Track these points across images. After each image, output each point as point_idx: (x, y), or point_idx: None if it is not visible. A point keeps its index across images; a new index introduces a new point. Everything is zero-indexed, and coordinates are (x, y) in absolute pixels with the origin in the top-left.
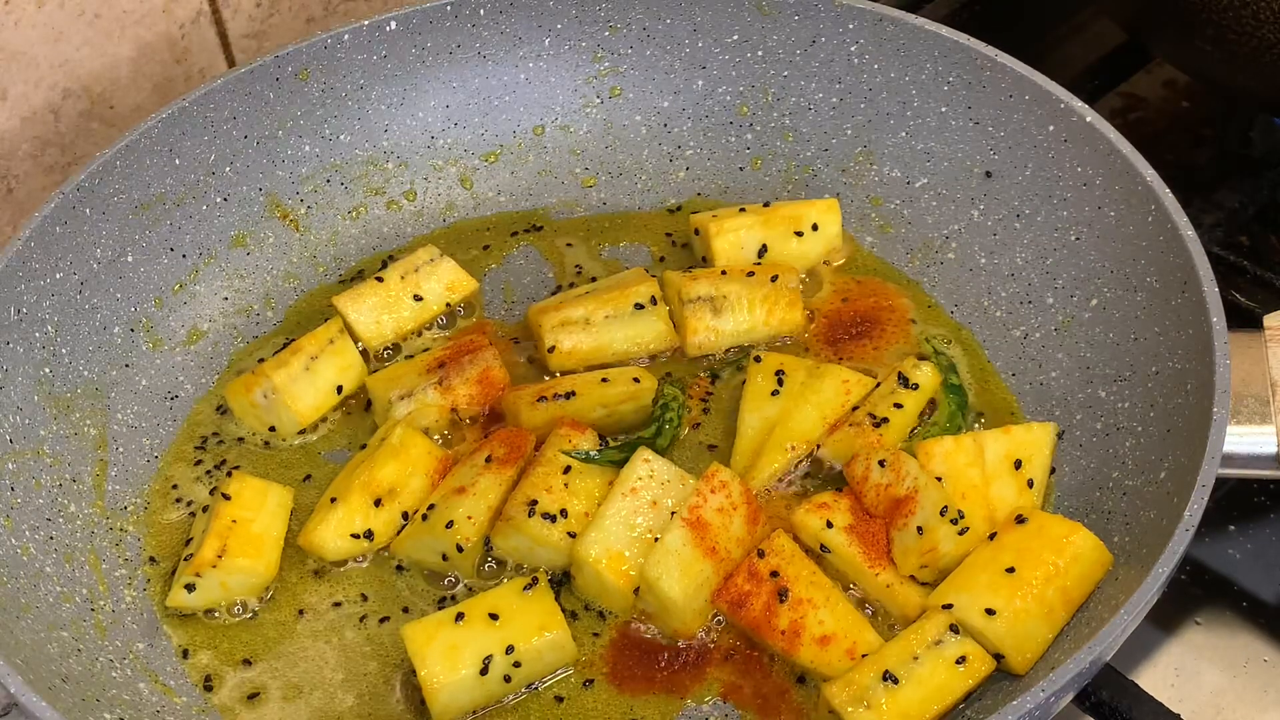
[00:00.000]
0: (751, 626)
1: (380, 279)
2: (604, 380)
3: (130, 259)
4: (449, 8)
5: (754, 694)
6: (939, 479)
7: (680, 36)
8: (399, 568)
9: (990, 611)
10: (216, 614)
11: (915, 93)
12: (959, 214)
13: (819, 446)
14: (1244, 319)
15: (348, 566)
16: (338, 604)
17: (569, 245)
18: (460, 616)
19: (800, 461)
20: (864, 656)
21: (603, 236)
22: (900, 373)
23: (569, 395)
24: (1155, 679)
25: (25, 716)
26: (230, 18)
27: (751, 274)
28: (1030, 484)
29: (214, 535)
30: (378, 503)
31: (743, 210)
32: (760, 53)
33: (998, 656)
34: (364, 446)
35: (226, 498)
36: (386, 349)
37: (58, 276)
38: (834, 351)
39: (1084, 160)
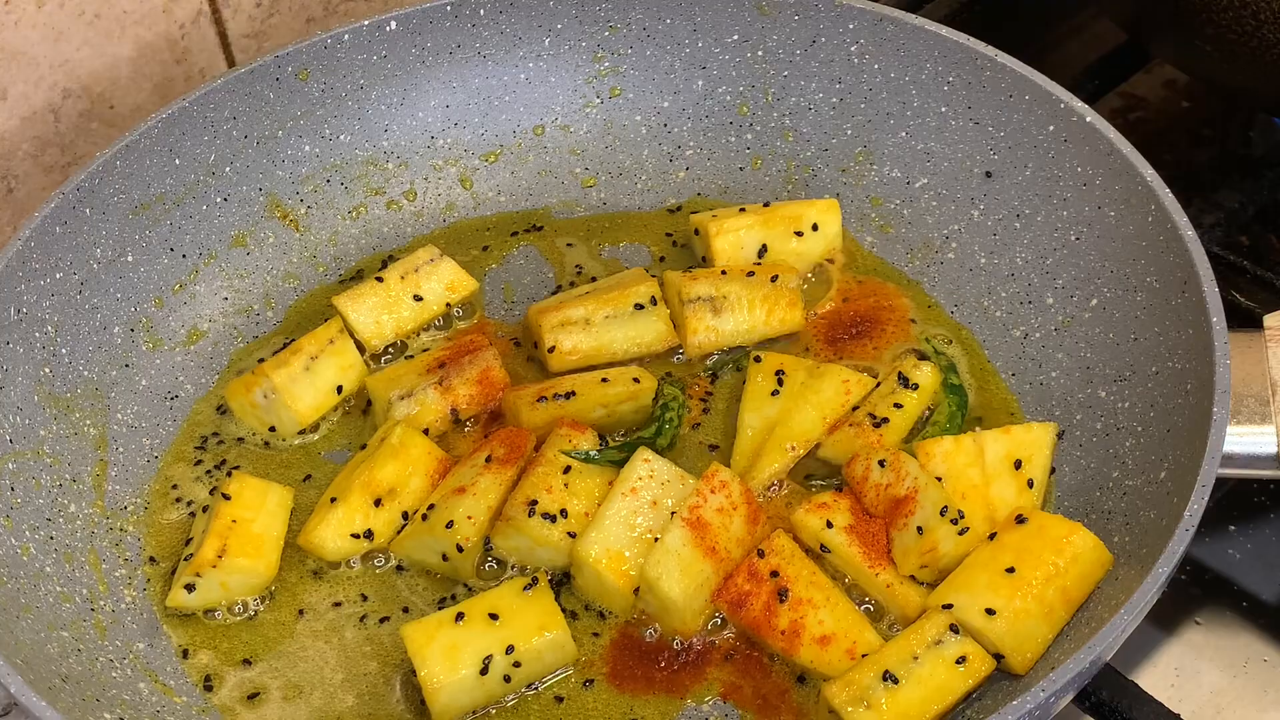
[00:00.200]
0: (751, 626)
1: (380, 279)
2: (604, 380)
3: (130, 259)
4: (449, 8)
5: (754, 694)
6: (939, 479)
7: (680, 36)
8: (399, 568)
9: (990, 611)
10: (216, 614)
11: (915, 93)
12: (959, 214)
13: (819, 446)
14: (1244, 319)
15: (347, 566)
16: (338, 604)
17: (569, 245)
18: (460, 616)
19: (800, 461)
20: (864, 656)
21: (603, 236)
22: (900, 373)
23: (569, 395)
24: (1155, 679)
25: (25, 716)
26: (230, 18)
27: (751, 274)
28: (1030, 484)
29: (214, 535)
30: (378, 503)
31: (743, 210)
32: (760, 53)
33: (998, 656)
34: (364, 446)
35: (226, 498)
36: (387, 349)
37: (58, 276)
38: (834, 351)
39: (1084, 160)
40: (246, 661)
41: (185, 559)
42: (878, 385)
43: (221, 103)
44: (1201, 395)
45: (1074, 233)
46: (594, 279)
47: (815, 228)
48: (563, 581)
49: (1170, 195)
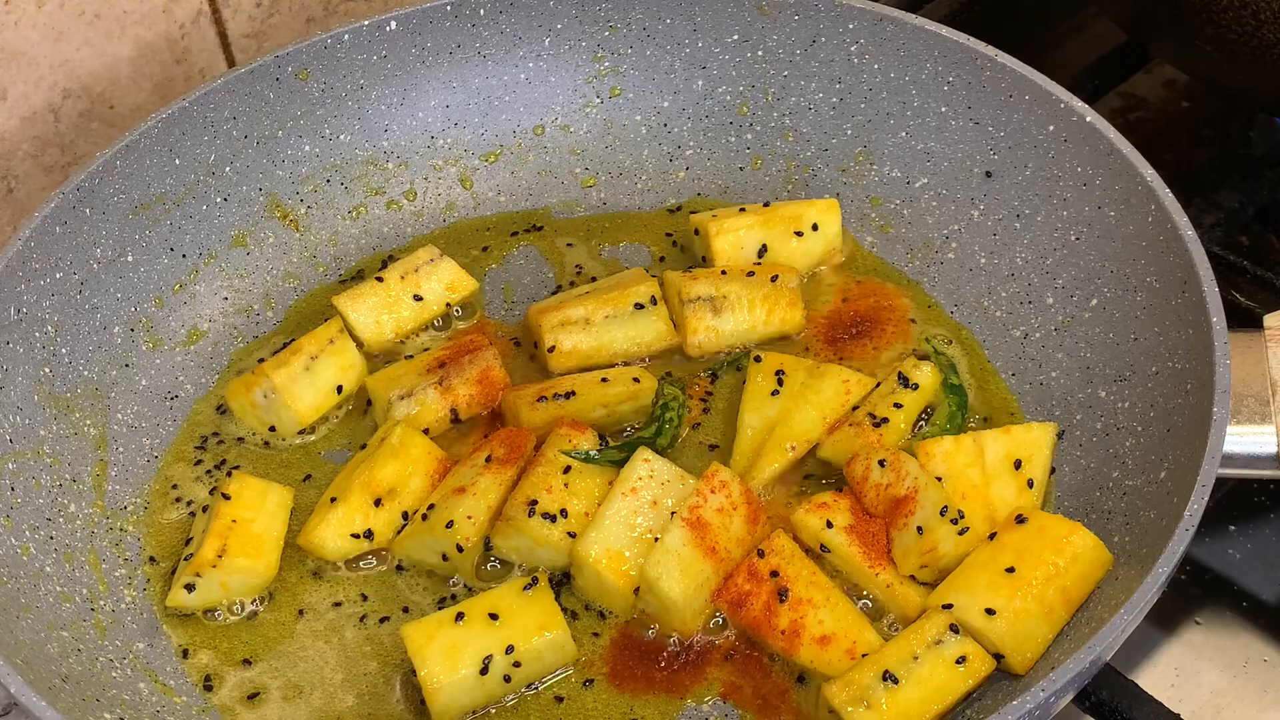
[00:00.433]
0: (751, 626)
1: (380, 279)
2: (604, 380)
3: (130, 259)
4: (449, 8)
5: (754, 694)
6: (939, 479)
7: (680, 36)
8: (399, 568)
9: (990, 611)
10: (216, 614)
11: (915, 93)
12: (959, 214)
13: (819, 446)
14: (1244, 319)
15: (347, 566)
16: (338, 604)
17: (569, 245)
18: (460, 616)
19: (800, 461)
20: (864, 656)
21: (603, 236)
22: (900, 373)
23: (569, 395)
24: (1155, 679)
25: (25, 716)
26: (230, 18)
27: (751, 274)
28: (1030, 484)
29: (214, 535)
30: (378, 503)
31: (743, 210)
32: (760, 53)
33: (998, 656)
34: (364, 446)
35: (226, 498)
36: (387, 349)
37: (58, 276)
38: (834, 351)
39: (1084, 160)
40: (246, 661)
41: (185, 559)
42: (878, 385)
43: (221, 103)
44: (1201, 395)
45: (1074, 233)
46: (594, 279)
47: (815, 228)
48: (563, 581)
49: (1170, 195)
